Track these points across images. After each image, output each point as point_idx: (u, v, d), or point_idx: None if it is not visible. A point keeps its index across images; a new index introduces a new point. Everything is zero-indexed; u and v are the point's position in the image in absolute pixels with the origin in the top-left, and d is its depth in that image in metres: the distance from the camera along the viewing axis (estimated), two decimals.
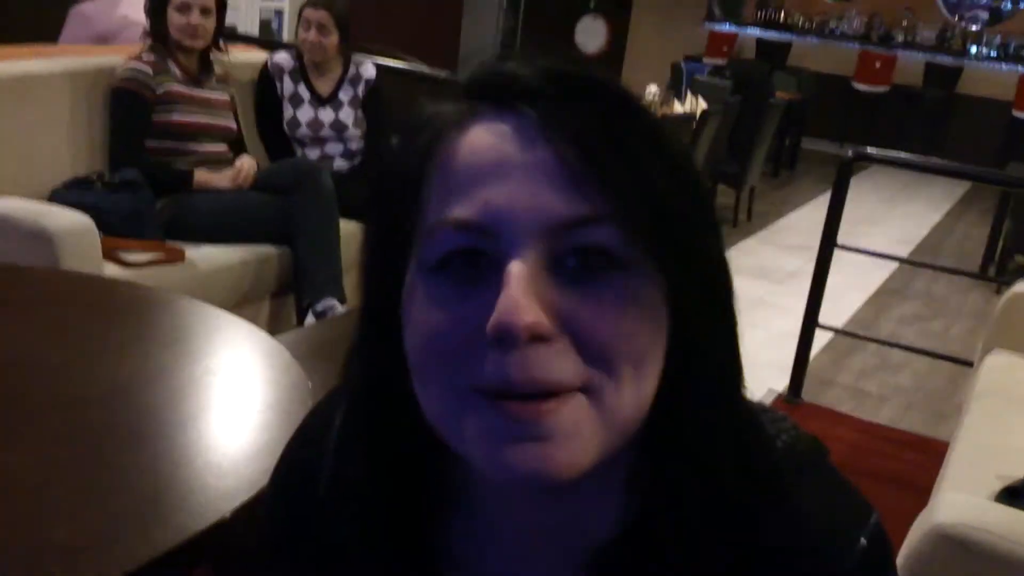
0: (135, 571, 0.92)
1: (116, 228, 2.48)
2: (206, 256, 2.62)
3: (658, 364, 0.48)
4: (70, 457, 1.10)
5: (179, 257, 2.55)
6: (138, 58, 2.73)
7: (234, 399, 1.31)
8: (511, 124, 0.47)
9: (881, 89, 9.05)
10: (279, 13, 6.43)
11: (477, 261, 0.46)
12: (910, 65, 9.09)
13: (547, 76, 0.48)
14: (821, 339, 3.54)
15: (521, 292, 0.44)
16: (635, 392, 0.47)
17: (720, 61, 8.62)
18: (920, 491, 2.06)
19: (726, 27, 9.71)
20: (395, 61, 3.83)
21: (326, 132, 3.14)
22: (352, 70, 3.18)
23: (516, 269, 0.44)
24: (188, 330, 1.51)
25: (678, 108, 5.04)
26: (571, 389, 0.46)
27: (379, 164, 0.53)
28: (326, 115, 3.13)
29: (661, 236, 0.47)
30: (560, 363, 0.45)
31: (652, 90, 5.03)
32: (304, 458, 0.61)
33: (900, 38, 9.29)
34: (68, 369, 1.30)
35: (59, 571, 0.90)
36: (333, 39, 3.07)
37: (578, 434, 0.46)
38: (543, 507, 0.52)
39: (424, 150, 0.48)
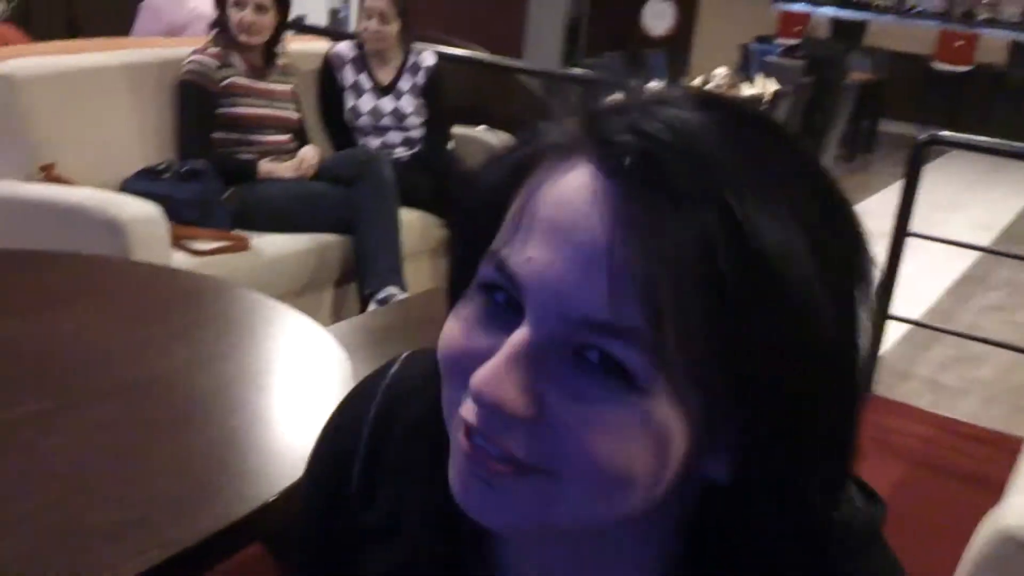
0: (183, 551, 0.94)
1: (184, 217, 2.54)
2: (270, 244, 2.66)
3: (657, 479, 0.44)
4: (121, 440, 1.13)
5: (244, 246, 2.60)
6: (203, 51, 2.79)
7: (283, 388, 1.32)
8: (605, 189, 0.41)
9: (963, 69, 8.72)
10: (346, 1, 6.49)
11: (514, 299, 0.44)
12: (994, 43, 8.74)
13: (661, 155, 0.41)
14: (897, 331, 3.43)
15: (508, 366, 0.42)
16: (599, 504, 0.44)
17: (793, 41, 8.42)
18: (994, 489, 1.98)
19: (798, 6, 9.47)
20: (456, 49, 3.83)
21: (386, 121, 3.15)
22: (413, 58, 3.19)
23: (518, 340, 0.42)
24: (242, 319, 1.54)
25: (747, 91, 4.93)
26: (528, 467, 0.44)
27: (481, 161, 0.50)
28: (386, 104, 3.15)
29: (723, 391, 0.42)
30: (522, 442, 0.43)
31: (720, 73, 4.93)
32: (340, 440, 0.61)
33: (983, 15, 8.94)
34: (124, 355, 1.33)
35: (104, 551, 0.92)
36: (393, 27, 3.08)
37: (521, 506, 0.45)
38: (556, 554, 0.51)
39: (523, 165, 0.46)
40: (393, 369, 0.61)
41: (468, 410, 0.44)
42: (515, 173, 0.46)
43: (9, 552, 0.91)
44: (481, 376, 0.42)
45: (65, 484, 1.03)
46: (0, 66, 2.49)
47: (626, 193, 0.41)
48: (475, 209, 0.48)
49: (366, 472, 0.59)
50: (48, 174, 2.50)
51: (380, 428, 0.59)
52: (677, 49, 7.95)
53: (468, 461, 0.45)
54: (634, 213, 0.40)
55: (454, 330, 0.46)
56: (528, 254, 0.42)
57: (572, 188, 0.42)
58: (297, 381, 1.34)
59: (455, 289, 0.49)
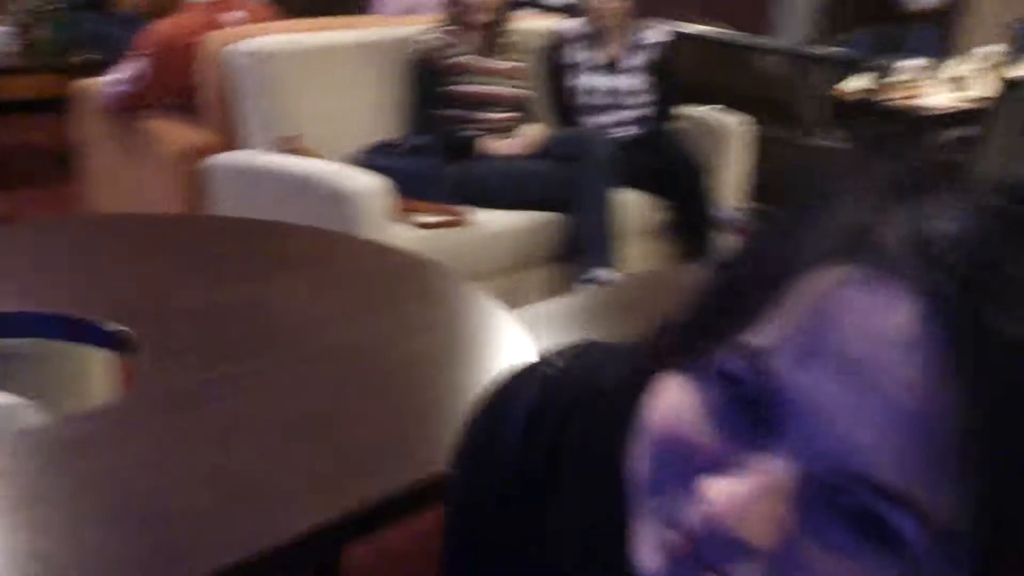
0: (356, 513, 0.97)
1: (409, 191, 2.62)
2: (489, 220, 2.71)
3: None
4: (316, 403, 1.17)
5: (465, 221, 2.66)
6: (433, 30, 2.86)
7: (468, 367, 1.33)
8: (927, 336, 0.34)
9: None
10: None
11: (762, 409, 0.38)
12: None
13: (1005, 308, 0.34)
14: None
15: (759, 499, 0.36)
16: None
17: None
18: None
19: None
20: (690, 25, 3.70)
21: (611, 99, 3.09)
22: (642, 36, 3.11)
23: (776, 475, 0.37)
24: (442, 298, 1.56)
25: (1013, 72, 4.42)
26: None
27: (755, 228, 0.44)
28: (612, 82, 3.09)
29: None
30: (748, 570, 0.38)
31: (987, 52, 4.46)
32: (493, 422, 0.59)
33: None
34: (329, 323, 1.38)
35: (287, 510, 0.96)
36: (623, 4, 3.01)
37: None
38: None
39: (813, 254, 0.38)
40: (560, 363, 0.58)
41: (696, 518, 0.39)
42: (797, 259, 0.38)
43: (199, 504, 0.96)
44: (725, 502, 0.37)
45: (260, 442, 1.08)
46: (251, 42, 2.69)
47: (953, 345, 0.34)
48: (739, 277, 0.42)
49: (510, 463, 0.56)
50: (289, 146, 2.67)
51: (534, 424, 0.56)
52: (944, 25, 7.27)
53: (674, 563, 0.40)
54: (958, 373, 0.34)
55: (676, 409, 0.41)
56: (815, 382, 0.36)
57: (884, 323, 0.35)
58: (484, 363, 1.35)
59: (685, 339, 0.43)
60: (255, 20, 2.97)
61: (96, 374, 1.67)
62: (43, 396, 1.49)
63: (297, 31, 2.85)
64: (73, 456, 1.06)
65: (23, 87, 4.26)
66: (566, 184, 2.75)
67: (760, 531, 0.37)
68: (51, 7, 4.62)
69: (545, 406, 0.56)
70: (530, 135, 2.88)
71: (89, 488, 0.99)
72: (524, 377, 0.59)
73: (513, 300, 2.41)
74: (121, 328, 1.29)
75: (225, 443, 1.07)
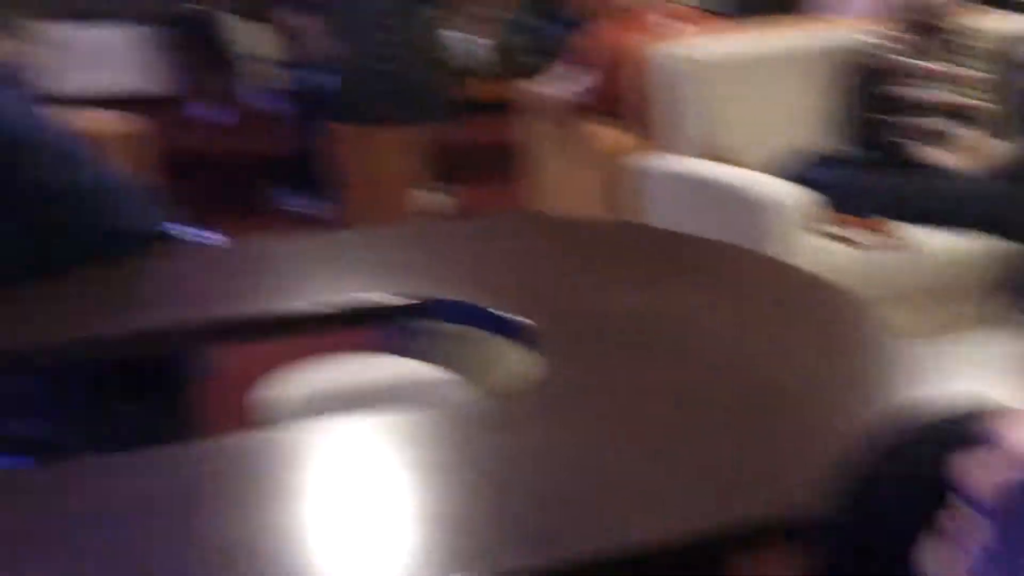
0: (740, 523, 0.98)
1: (840, 204, 2.50)
2: (926, 243, 2.48)
3: None
4: (687, 413, 1.20)
5: (899, 241, 2.47)
6: (877, 32, 2.70)
7: (852, 401, 1.24)
8: None
9: None
10: None
11: None
12: None
13: None
14: None
15: (992, 461, 0.38)
16: None
17: None
18: None
19: None
20: None
21: None
22: None
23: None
24: (838, 324, 1.48)
25: None
26: None
27: None
28: None
29: None
30: None
31: None
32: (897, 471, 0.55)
33: None
34: (712, 337, 1.39)
35: (654, 513, 1.00)
36: None
37: None
38: None
39: None
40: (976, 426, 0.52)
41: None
42: None
43: (594, 491, 1.04)
44: (973, 460, 0.38)
45: (644, 441, 1.13)
46: (684, 49, 2.75)
47: None
48: None
49: (907, 524, 0.52)
50: (713, 152, 2.68)
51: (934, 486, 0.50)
52: None
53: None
54: None
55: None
56: None
57: None
58: (872, 397, 1.26)
59: None
60: (683, 24, 3.02)
61: (508, 360, 1.84)
62: (465, 374, 1.68)
63: (728, 36, 2.85)
64: (492, 432, 1.18)
65: (496, 90, 4.79)
66: (1018, 206, 2.42)
67: (984, 488, 0.37)
68: (519, 19, 5.15)
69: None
70: (980, 149, 2.59)
71: (505, 462, 1.10)
72: (930, 430, 0.55)
73: (941, 331, 2.19)
74: (527, 322, 1.41)
75: (616, 438, 1.14)
